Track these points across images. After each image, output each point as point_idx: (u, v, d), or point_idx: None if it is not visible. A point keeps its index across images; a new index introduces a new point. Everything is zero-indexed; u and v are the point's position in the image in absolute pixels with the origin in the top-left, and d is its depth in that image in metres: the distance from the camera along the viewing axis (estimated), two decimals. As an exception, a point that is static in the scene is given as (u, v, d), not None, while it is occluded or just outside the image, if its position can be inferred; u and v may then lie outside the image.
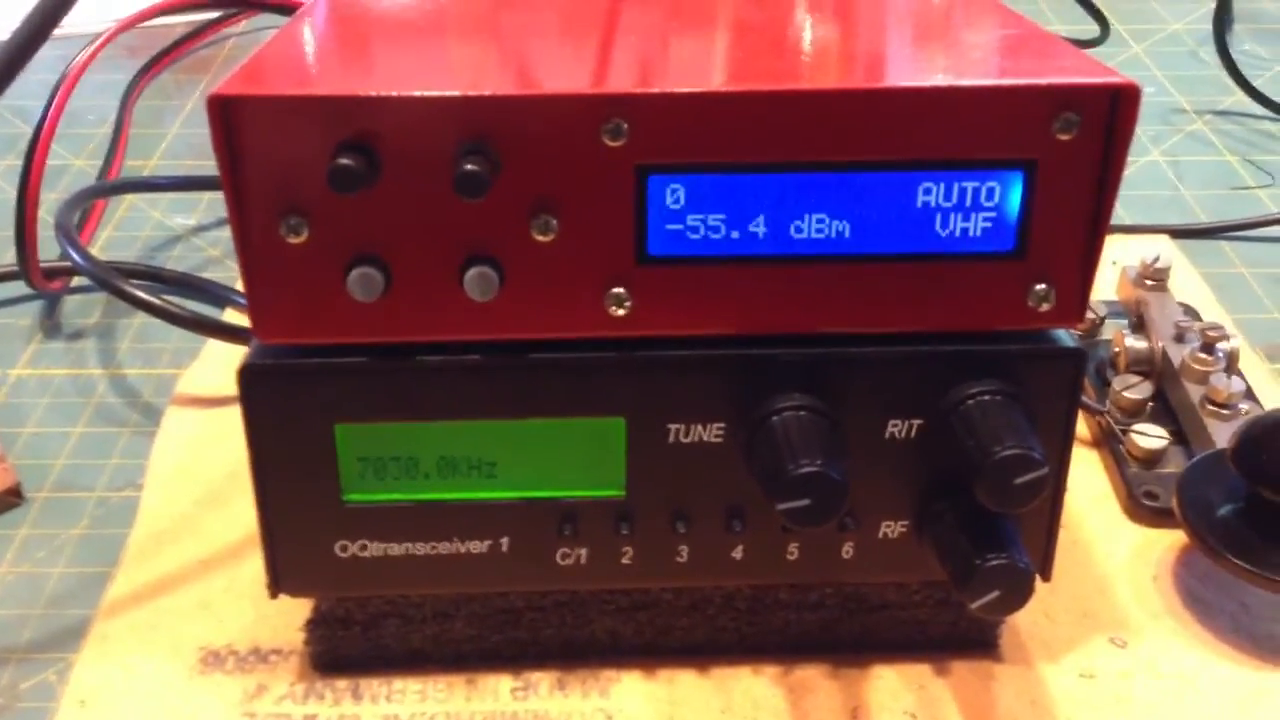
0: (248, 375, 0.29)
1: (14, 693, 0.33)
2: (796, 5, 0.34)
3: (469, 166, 0.25)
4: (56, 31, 0.79)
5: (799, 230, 0.28)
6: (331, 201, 0.26)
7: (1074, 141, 0.27)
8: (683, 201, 0.27)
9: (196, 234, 0.54)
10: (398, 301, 0.28)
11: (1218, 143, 0.61)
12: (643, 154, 0.27)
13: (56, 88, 0.47)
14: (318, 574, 0.31)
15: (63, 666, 0.33)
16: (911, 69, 0.28)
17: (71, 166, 0.59)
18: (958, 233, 0.28)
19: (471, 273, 0.27)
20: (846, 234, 0.28)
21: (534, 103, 0.26)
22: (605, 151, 0.26)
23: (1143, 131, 0.62)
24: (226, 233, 0.54)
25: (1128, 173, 0.57)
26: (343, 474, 0.30)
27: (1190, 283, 0.48)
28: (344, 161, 0.25)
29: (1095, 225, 0.28)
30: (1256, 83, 0.61)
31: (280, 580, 0.31)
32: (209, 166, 0.59)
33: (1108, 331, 0.44)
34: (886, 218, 0.28)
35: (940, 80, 0.27)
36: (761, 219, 0.28)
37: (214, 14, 0.67)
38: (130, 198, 0.55)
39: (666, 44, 0.30)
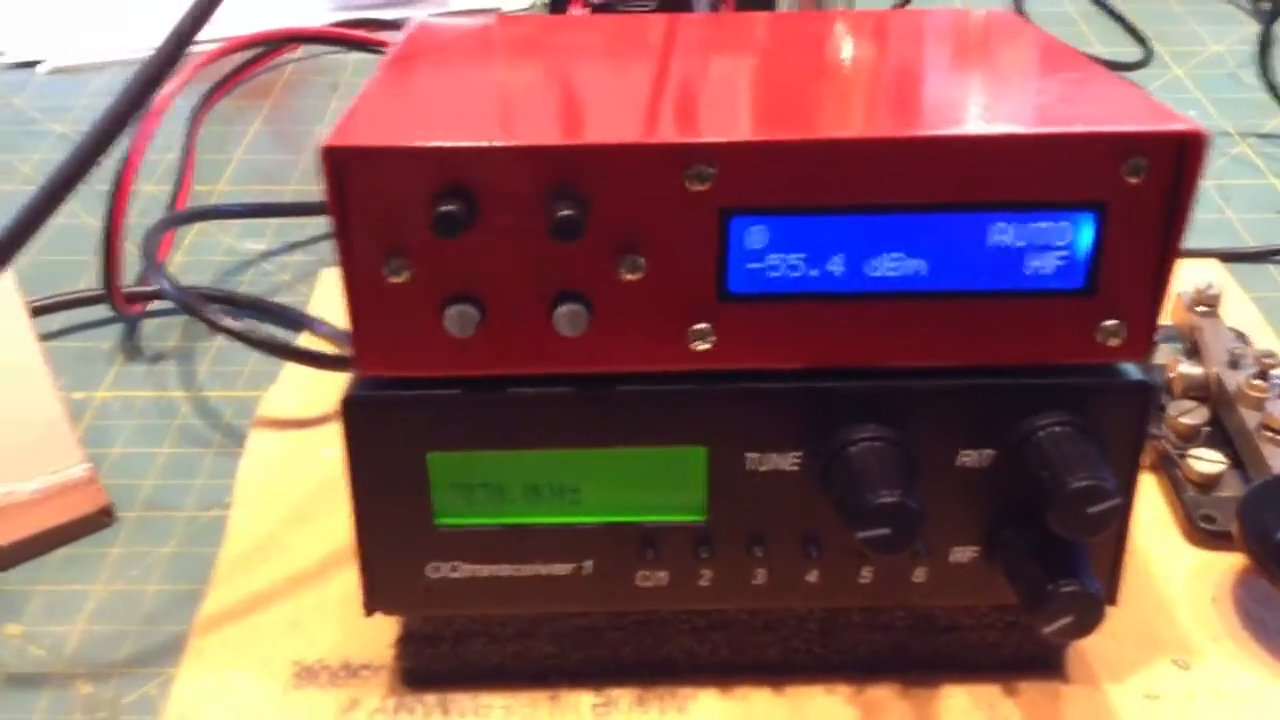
0: (350, 406, 0.30)
1: (116, 706, 0.34)
2: (864, 48, 0.36)
3: (565, 212, 0.27)
4: (127, 56, 0.81)
5: (875, 268, 0.29)
6: (432, 243, 0.28)
7: (1143, 185, 0.28)
8: (763, 242, 0.29)
9: (266, 259, 0.55)
10: (491, 336, 0.29)
11: (1262, 166, 0.61)
12: (726, 197, 0.28)
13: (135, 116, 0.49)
14: (410, 594, 0.32)
15: (162, 681, 0.35)
16: (985, 114, 0.29)
17: (141, 192, 0.61)
18: (1029, 271, 0.29)
19: (562, 309, 0.29)
20: (922, 272, 0.29)
21: (623, 151, 0.27)
22: (690, 195, 0.28)
23: (1190, 153, 0.62)
24: (296, 257, 0.56)
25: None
26: (435, 499, 0.31)
27: (1241, 307, 0.49)
28: (447, 208, 0.27)
29: (1163, 263, 0.29)
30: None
31: (375, 599, 0.32)
32: (274, 192, 0.61)
33: (1161, 356, 0.45)
34: (960, 256, 0.29)
35: (1015, 128, 0.28)
36: (839, 258, 0.29)
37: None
38: (201, 223, 0.57)
39: (743, 90, 0.31)
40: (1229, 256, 0.53)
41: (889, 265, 0.29)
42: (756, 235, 0.28)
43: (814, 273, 0.29)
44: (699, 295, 0.29)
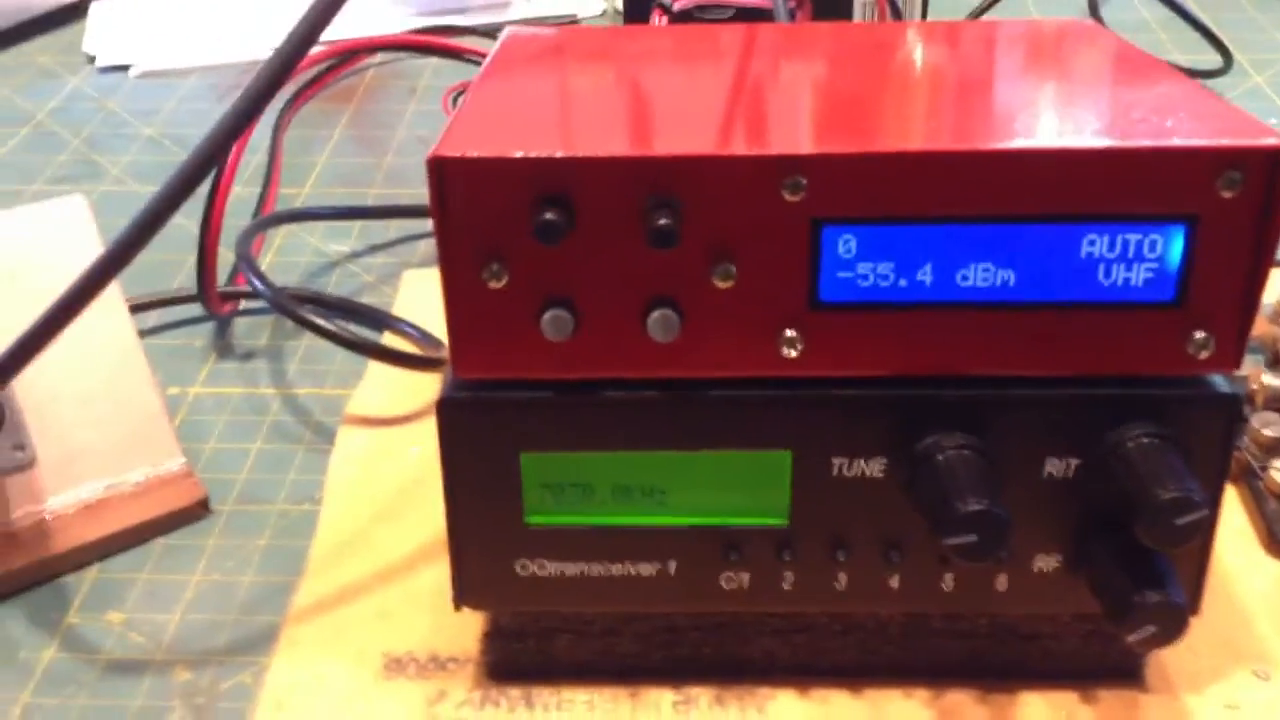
0: (446, 407, 0.31)
1: (214, 692, 0.36)
2: (945, 58, 0.36)
3: (662, 221, 0.28)
4: (212, 61, 0.83)
5: (965, 278, 0.29)
6: (529, 250, 0.29)
7: (1236, 198, 0.28)
8: (854, 251, 0.29)
9: (352, 260, 0.57)
10: (585, 341, 0.30)
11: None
12: (818, 208, 0.28)
13: (237, 125, 0.50)
14: (499, 590, 0.33)
15: (257, 669, 0.36)
16: (1076, 127, 0.29)
17: (231, 193, 0.62)
18: (1120, 282, 0.29)
19: (655, 315, 0.29)
20: (1011, 282, 0.29)
21: (720, 163, 0.28)
22: (783, 205, 0.28)
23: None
24: (379, 259, 0.57)
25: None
26: (526, 498, 0.32)
27: (1326, 317, 0.48)
28: (549, 217, 0.28)
29: (1253, 276, 0.29)
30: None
31: (464, 594, 0.33)
32: (358, 195, 0.63)
33: (1243, 368, 0.44)
34: (1050, 267, 0.29)
35: (1108, 141, 0.28)
36: (929, 267, 0.29)
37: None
38: (289, 225, 0.59)
39: (830, 101, 0.32)
40: (1312, 267, 0.52)
41: (979, 275, 0.29)
42: (847, 245, 0.29)
43: (903, 282, 0.29)
44: (789, 303, 0.29)
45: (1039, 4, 0.81)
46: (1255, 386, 0.43)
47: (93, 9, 0.85)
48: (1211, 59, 0.70)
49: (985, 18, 0.72)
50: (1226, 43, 0.73)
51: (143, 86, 0.76)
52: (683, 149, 0.28)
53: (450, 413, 0.31)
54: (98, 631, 0.38)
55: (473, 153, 0.28)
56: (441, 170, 0.28)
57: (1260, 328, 0.46)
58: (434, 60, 0.75)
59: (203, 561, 0.40)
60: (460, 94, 0.69)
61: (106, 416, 0.42)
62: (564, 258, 0.29)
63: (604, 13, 0.83)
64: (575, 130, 0.30)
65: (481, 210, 0.28)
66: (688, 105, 0.32)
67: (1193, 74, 0.70)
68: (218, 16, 0.83)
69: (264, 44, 0.79)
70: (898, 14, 0.66)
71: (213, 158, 0.33)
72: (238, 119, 0.32)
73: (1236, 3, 0.81)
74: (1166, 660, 0.35)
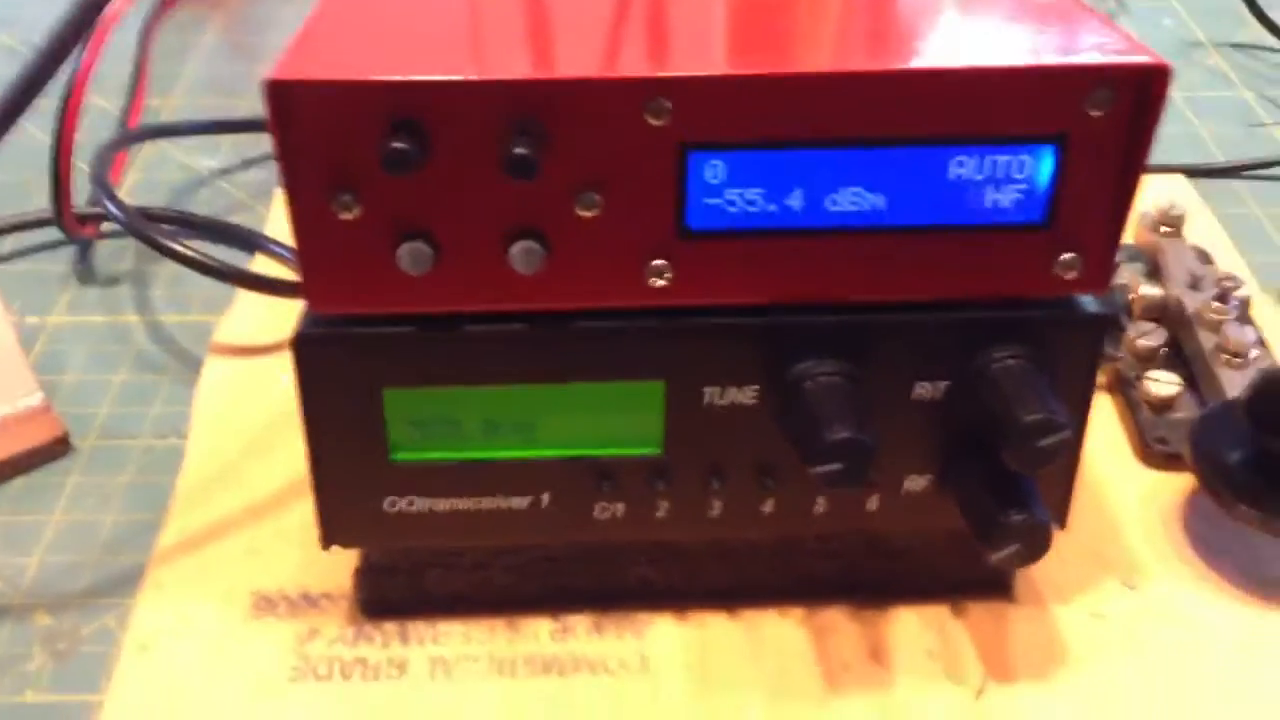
0: (302, 344, 0.30)
1: (76, 637, 0.35)
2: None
3: (519, 150, 0.26)
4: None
5: (834, 203, 0.29)
6: (382, 179, 0.27)
7: (1105, 117, 0.27)
8: (722, 177, 0.28)
9: (222, 177, 0.54)
10: (446, 274, 0.29)
11: (1234, 77, 0.61)
12: (684, 132, 0.27)
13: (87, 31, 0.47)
14: (367, 528, 0.32)
15: (121, 612, 0.35)
16: (946, 47, 0.28)
17: (92, 106, 0.59)
18: (989, 204, 0.29)
19: (517, 247, 0.28)
20: (881, 206, 0.29)
21: (581, 85, 0.27)
22: (648, 130, 0.27)
23: (1159, 66, 0.62)
24: (251, 175, 0.55)
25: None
26: (391, 435, 0.31)
27: (1205, 225, 0.49)
28: (397, 145, 0.26)
29: (1122, 197, 0.29)
30: (1275, 13, 0.61)
31: (332, 533, 0.32)
32: (229, 107, 0.60)
33: (1122, 276, 0.45)
34: (919, 191, 0.28)
35: (974, 60, 0.27)
36: (798, 193, 0.28)
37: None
38: (155, 140, 0.56)
39: (702, 22, 0.31)
40: (1196, 172, 0.53)
41: (848, 200, 0.29)
42: (714, 170, 0.28)
43: (772, 208, 0.29)
44: (657, 231, 0.29)
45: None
46: (1133, 296, 0.43)
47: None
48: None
49: None
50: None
51: (-5, -12, 0.71)
52: (542, 72, 0.27)
53: (306, 350, 0.30)
54: (-48, 578, 0.36)
55: (314, 76, 0.26)
56: (282, 95, 0.26)
57: (1142, 237, 0.46)
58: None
59: (63, 500, 0.39)
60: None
61: (-46, 351, 0.40)
62: (419, 187, 0.27)
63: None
64: (429, 50, 0.28)
65: (327, 137, 0.27)
66: (556, 24, 0.31)
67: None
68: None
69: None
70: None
71: (58, 56, 0.31)
72: (86, 9, 0.30)
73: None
74: (1036, 572, 0.36)
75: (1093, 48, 0.28)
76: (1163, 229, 0.45)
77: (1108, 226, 0.29)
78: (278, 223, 0.50)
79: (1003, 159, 0.28)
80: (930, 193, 0.29)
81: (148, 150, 0.56)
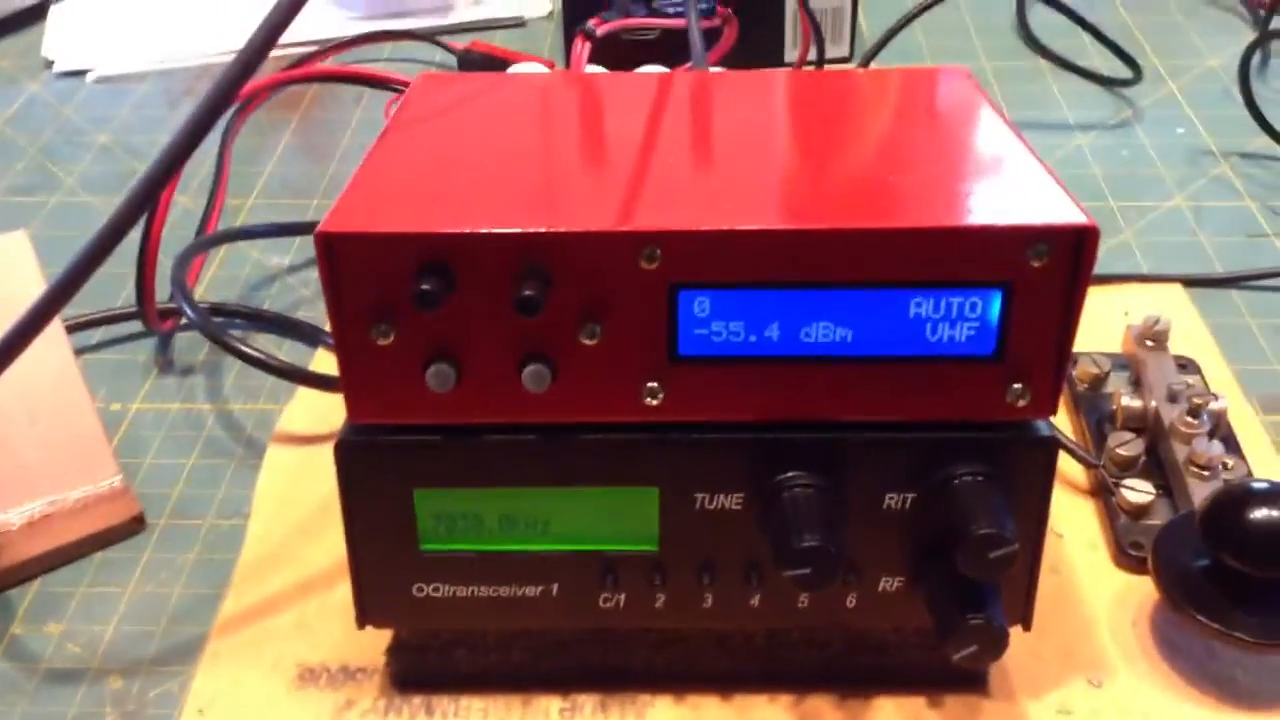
0: (343, 449, 0.34)
1: (143, 700, 0.39)
2: (809, 121, 0.39)
3: (526, 292, 0.31)
4: (161, 65, 0.85)
5: (808, 335, 0.33)
6: (413, 313, 0.32)
7: (1044, 267, 0.31)
8: (708, 311, 0.32)
9: (290, 273, 0.60)
10: (467, 391, 0.33)
11: (1240, 187, 0.64)
12: (674, 274, 0.32)
13: (184, 145, 0.53)
14: (397, 609, 0.37)
15: (184, 678, 0.40)
16: (906, 204, 0.32)
17: (176, 203, 0.65)
18: (945, 339, 0.32)
19: (529, 369, 0.32)
20: (849, 339, 0.33)
21: (582, 238, 0.31)
22: (641, 273, 0.31)
23: (1169, 174, 0.65)
24: (316, 273, 0.60)
25: (1149, 219, 0.61)
26: (420, 528, 0.35)
27: (1196, 334, 0.52)
28: (424, 286, 0.31)
29: (1064, 333, 0.32)
30: (1282, 122, 0.64)
31: (365, 613, 0.37)
32: (302, 207, 0.66)
33: (1112, 385, 0.48)
34: (883, 325, 0.32)
35: (929, 220, 0.31)
36: (775, 325, 0.32)
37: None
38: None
39: (692, 177, 0.35)
40: (1193, 282, 0.56)
41: (819, 332, 0.33)
42: (701, 305, 0.32)
43: (753, 338, 0.33)
44: (651, 357, 0.33)
45: (972, 11, 0.84)
46: (1115, 407, 0.46)
47: (52, 11, 0.86)
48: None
49: (873, 68, 0.73)
50: (1143, 51, 0.76)
51: (99, 92, 0.78)
52: (549, 224, 0.31)
53: (347, 454, 0.34)
54: (38, 642, 0.41)
55: (356, 228, 0.31)
56: (329, 244, 0.31)
57: (1128, 348, 0.49)
58: (381, 66, 0.77)
59: (137, 574, 0.43)
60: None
61: (48, 437, 0.45)
62: (445, 319, 0.32)
63: (550, 14, 0.85)
64: (453, 202, 0.33)
65: (368, 279, 0.31)
66: (565, 172, 0.35)
67: (1108, 82, 0.73)
68: (173, 19, 0.85)
69: (218, 45, 0.81)
70: (819, 36, 0.69)
71: (152, 194, 0.36)
72: (174, 155, 0.35)
73: (1164, 5, 0.84)
74: (1010, 666, 0.39)
75: (1035, 207, 0.32)
76: (1147, 343, 0.48)
77: (1053, 359, 0.33)
78: (338, 319, 0.55)
79: (956, 300, 0.32)
80: (893, 327, 0.32)
81: (226, 248, 0.61)
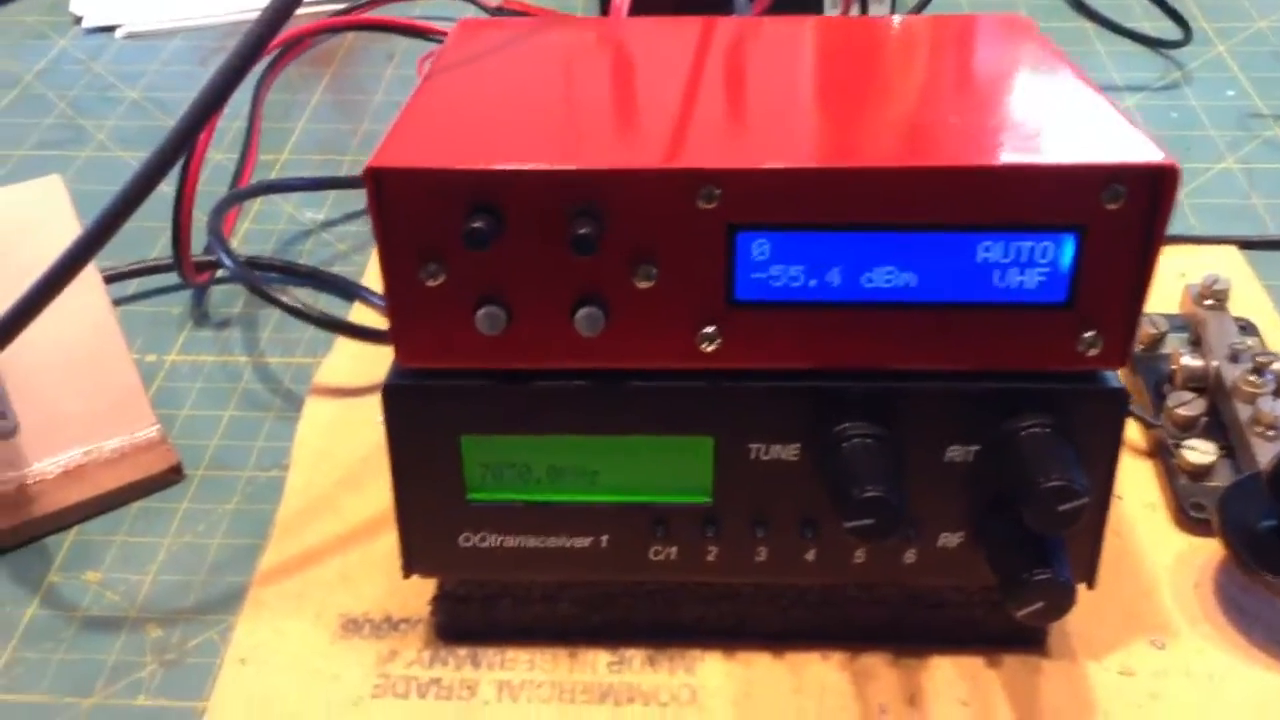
0: (391, 393, 0.33)
1: (183, 649, 0.38)
2: (869, 62, 0.38)
3: (583, 230, 0.30)
4: (190, 22, 0.84)
5: (870, 280, 0.31)
6: (463, 253, 0.31)
7: (1120, 210, 0.30)
8: (767, 254, 0.31)
9: (325, 229, 0.59)
10: (517, 335, 0.32)
11: (1293, 149, 0.62)
12: (732, 215, 0.30)
13: (219, 92, 0.52)
14: (443, 559, 0.36)
15: (224, 628, 0.39)
16: (975, 142, 0.31)
17: (209, 159, 0.64)
18: (1014, 285, 0.31)
19: (581, 313, 0.31)
20: (913, 284, 0.31)
21: (638, 176, 0.30)
22: (699, 213, 0.30)
23: (1219, 137, 0.63)
24: (353, 227, 0.59)
25: (1200, 181, 0.60)
26: (467, 477, 0.34)
27: (1253, 296, 0.50)
28: (476, 225, 0.30)
29: (1139, 280, 0.31)
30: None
31: (412, 563, 0.36)
32: (335, 163, 0.65)
33: (1169, 345, 0.47)
34: (949, 271, 0.31)
35: (1001, 157, 0.30)
36: (837, 270, 0.31)
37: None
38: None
39: (748, 117, 0.34)
40: (1249, 244, 0.54)
41: (882, 277, 0.31)
42: (760, 249, 0.31)
43: (813, 283, 0.31)
44: (707, 301, 0.32)
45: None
46: (1174, 367, 0.45)
47: (79, -34, 0.85)
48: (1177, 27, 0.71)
49: (925, 14, 0.72)
50: (1195, 9, 0.74)
51: (128, 48, 0.77)
52: (603, 162, 0.30)
53: (394, 399, 0.33)
54: (76, 590, 0.41)
55: (406, 163, 0.30)
56: (379, 180, 0.30)
57: (1187, 308, 0.48)
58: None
59: (175, 524, 0.43)
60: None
61: (85, 386, 0.44)
62: (495, 259, 0.31)
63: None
64: (505, 139, 0.32)
65: (417, 216, 0.30)
66: (615, 112, 0.34)
67: (1157, 44, 0.72)
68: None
69: (246, 4, 0.80)
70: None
71: (186, 141, 0.35)
72: (208, 102, 0.34)
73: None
74: (1070, 628, 0.38)
75: (1110, 146, 0.30)
76: (1206, 302, 0.46)
77: (1126, 307, 0.31)
78: (374, 274, 0.54)
79: (1027, 245, 0.31)
80: (959, 273, 0.31)
81: (259, 203, 0.61)
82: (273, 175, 0.63)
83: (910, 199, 0.30)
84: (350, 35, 0.77)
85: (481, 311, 0.32)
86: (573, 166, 0.30)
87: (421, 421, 0.34)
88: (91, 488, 0.43)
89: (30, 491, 0.43)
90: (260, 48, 0.34)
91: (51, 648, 0.38)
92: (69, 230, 0.43)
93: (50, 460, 0.43)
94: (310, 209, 0.60)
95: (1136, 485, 0.43)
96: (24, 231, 0.43)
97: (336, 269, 0.55)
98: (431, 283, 0.31)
